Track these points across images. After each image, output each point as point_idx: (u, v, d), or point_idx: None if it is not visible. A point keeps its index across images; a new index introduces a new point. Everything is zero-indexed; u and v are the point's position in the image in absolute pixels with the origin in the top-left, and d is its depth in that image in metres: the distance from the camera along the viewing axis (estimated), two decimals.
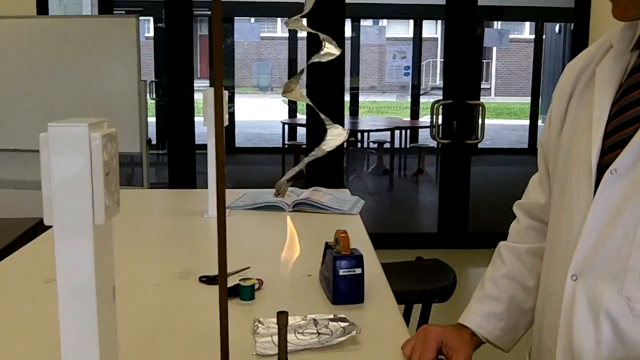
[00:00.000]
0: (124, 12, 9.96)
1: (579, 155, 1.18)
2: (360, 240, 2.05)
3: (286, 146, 10.14)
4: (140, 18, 5.02)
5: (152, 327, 1.45)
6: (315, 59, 0.94)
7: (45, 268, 1.81)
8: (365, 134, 10.32)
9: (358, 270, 1.56)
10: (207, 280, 1.71)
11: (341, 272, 1.54)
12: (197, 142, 5.71)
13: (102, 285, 0.92)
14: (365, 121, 12.41)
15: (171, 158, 5.79)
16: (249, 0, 10.38)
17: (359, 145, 10.54)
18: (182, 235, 2.27)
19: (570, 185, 1.20)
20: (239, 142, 12.16)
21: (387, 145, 9.82)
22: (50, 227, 0.87)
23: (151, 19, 12.45)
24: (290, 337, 1.33)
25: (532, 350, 1.37)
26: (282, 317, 1.04)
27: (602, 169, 1.12)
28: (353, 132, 10.19)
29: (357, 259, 1.56)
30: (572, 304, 1.14)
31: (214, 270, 1.70)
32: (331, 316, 1.44)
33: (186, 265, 1.84)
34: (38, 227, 2.68)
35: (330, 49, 0.93)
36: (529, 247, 1.44)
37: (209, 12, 11.46)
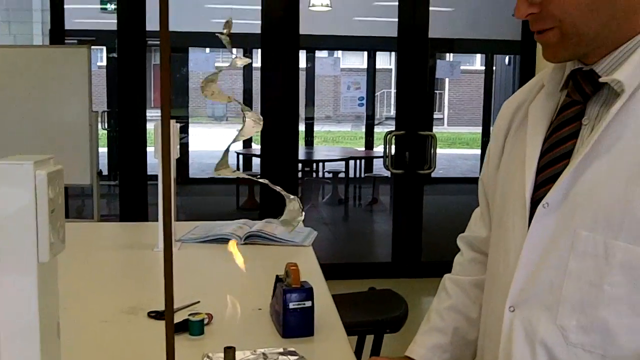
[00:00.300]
0: (76, 41, 9.92)
1: (514, 190, 1.22)
2: (311, 272, 2.06)
3: (241, 177, 10.08)
4: (93, 47, 5.01)
5: None
6: (239, 139, 0.94)
7: None
8: (321, 163, 10.36)
9: (308, 303, 1.56)
10: (156, 315, 1.70)
11: (291, 305, 1.55)
12: (149, 173, 5.68)
13: (46, 323, 0.91)
14: (320, 151, 12.46)
15: (122, 189, 5.72)
16: (204, 31, 10.39)
17: (314, 175, 10.57)
18: (132, 270, 2.25)
19: (506, 219, 1.24)
20: (193, 172, 12.09)
21: (342, 175, 9.87)
22: None
23: (104, 48, 12.39)
24: None
25: None
26: (228, 352, 1.04)
27: (535, 203, 1.17)
28: (308, 163, 10.22)
29: (307, 292, 1.56)
30: (510, 334, 1.18)
31: (163, 305, 1.69)
32: (281, 350, 1.44)
33: (135, 301, 1.82)
34: None
35: (251, 126, 0.92)
36: (473, 279, 1.47)
37: None
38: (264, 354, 1.42)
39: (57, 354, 0.95)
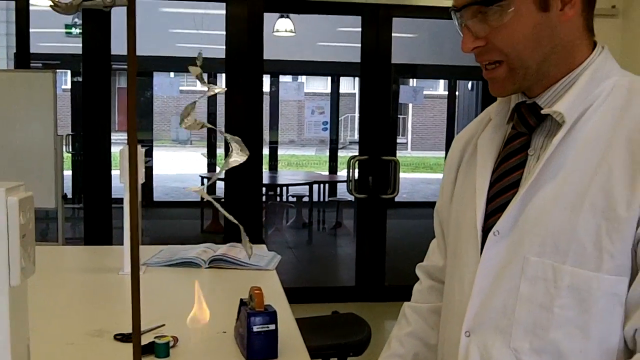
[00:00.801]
0: (41, 64, 9.87)
1: (467, 220, 1.27)
2: (275, 296, 2.09)
3: (205, 200, 10.09)
4: (57, 71, 5.00)
5: None
6: (224, 168, 0.97)
7: None
8: (285, 187, 10.38)
9: (272, 326, 1.60)
10: (122, 338, 1.72)
11: (255, 328, 1.58)
12: (113, 196, 5.66)
13: (17, 345, 0.93)
14: (284, 175, 12.48)
15: (87, 212, 5.68)
16: (168, 55, 10.41)
17: (278, 199, 10.60)
18: (98, 293, 2.26)
19: (460, 247, 1.29)
20: (158, 196, 12.05)
21: (306, 199, 9.91)
22: None
23: (69, 71, 12.35)
24: None
25: None
26: None
27: (486, 231, 1.22)
28: (272, 186, 10.24)
29: (270, 315, 1.60)
30: (466, 358, 1.22)
31: (129, 328, 1.71)
32: None
33: (101, 323, 1.84)
34: None
35: (236, 156, 0.96)
36: (431, 306, 1.51)
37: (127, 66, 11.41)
38: None
39: None
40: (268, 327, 1.59)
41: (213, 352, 1.64)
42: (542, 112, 1.19)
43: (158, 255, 2.65)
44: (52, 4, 0.91)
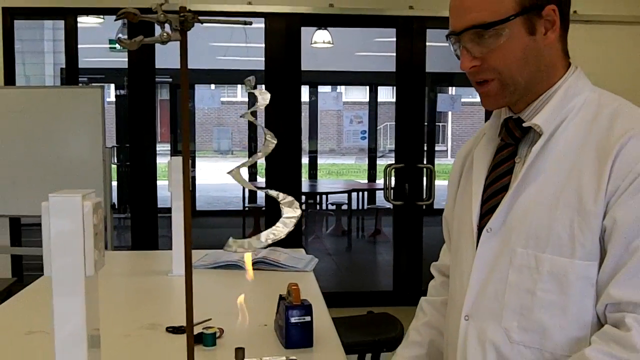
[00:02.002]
0: (86, 79, 10.19)
1: (465, 220, 1.47)
2: (312, 294, 2.26)
3: (246, 209, 10.34)
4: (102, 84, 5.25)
5: None
6: (264, 152, 1.18)
7: (26, 321, 1.99)
8: (324, 196, 10.56)
9: (308, 318, 1.77)
10: (173, 330, 1.90)
11: (292, 320, 1.75)
12: (159, 206, 5.88)
13: (91, 330, 1.11)
14: (323, 184, 12.66)
15: (134, 221, 5.90)
16: (209, 68, 10.66)
17: (318, 207, 10.77)
18: (149, 293, 2.45)
19: (460, 244, 1.49)
20: (200, 205, 12.33)
21: (345, 207, 10.06)
22: (26, 285, 1.05)
23: (112, 85, 12.68)
24: None
25: None
26: (239, 352, 1.24)
27: (481, 229, 1.41)
28: (312, 195, 10.43)
29: (306, 308, 1.77)
30: (465, 339, 1.42)
31: (179, 322, 1.90)
32: (283, 358, 1.63)
33: (154, 318, 2.02)
34: (13, 288, 2.84)
35: (270, 139, 1.15)
36: (444, 299, 1.69)
37: (169, 79, 11.73)
38: None
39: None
40: (304, 319, 1.76)
41: (255, 342, 1.81)
42: (524, 124, 1.39)
43: (203, 259, 2.83)
44: (118, 40, 1.09)
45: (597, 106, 1.35)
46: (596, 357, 1.22)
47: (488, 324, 1.38)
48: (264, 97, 1.24)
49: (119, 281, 2.62)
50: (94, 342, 1.16)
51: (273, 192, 1.17)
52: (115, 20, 1.08)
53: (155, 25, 1.07)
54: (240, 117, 1.20)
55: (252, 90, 1.19)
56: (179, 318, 1.91)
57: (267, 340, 1.84)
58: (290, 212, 1.17)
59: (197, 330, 1.79)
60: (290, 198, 1.19)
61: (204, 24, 1.10)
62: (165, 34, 1.08)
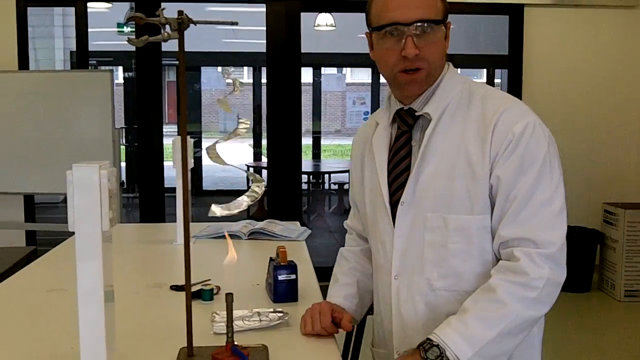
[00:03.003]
0: (95, 62, 10.42)
1: (377, 199, 1.77)
2: (302, 259, 2.53)
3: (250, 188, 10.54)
4: (110, 67, 5.48)
5: (136, 323, 1.89)
6: (230, 136, 1.44)
7: (46, 282, 2.26)
8: (327, 175, 10.80)
9: (293, 276, 2.03)
10: (176, 288, 2.16)
11: (280, 278, 2.01)
12: (166, 186, 6.12)
13: (106, 285, 1.36)
14: (327, 164, 12.90)
15: (142, 200, 6.14)
16: (215, 50, 10.89)
17: (321, 186, 11.02)
18: (155, 258, 2.71)
19: (376, 219, 1.78)
20: (206, 185, 12.58)
21: (347, 186, 10.28)
22: (43, 253, 1.25)
23: (120, 68, 12.92)
24: (239, 322, 1.78)
25: (374, 338, 1.94)
26: (228, 296, 1.48)
27: (394, 204, 1.71)
28: (315, 174, 10.68)
29: (292, 268, 2.03)
30: (398, 293, 1.72)
31: (182, 282, 2.15)
32: (271, 310, 1.90)
33: (159, 279, 2.29)
34: (32, 256, 3.11)
35: (243, 126, 1.40)
36: (361, 248, 2.02)
37: (176, 61, 11.95)
38: (258, 312, 1.87)
39: (113, 314, 1.41)
40: (290, 277, 2.02)
41: (248, 298, 2.06)
42: (417, 113, 1.69)
43: (205, 230, 3.09)
44: (127, 38, 1.33)
45: (469, 94, 1.69)
46: (497, 283, 1.53)
47: (414, 278, 1.69)
48: (245, 123, 1.50)
49: (129, 248, 2.88)
50: (109, 297, 1.40)
51: (243, 170, 1.44)
52: (125, 23, 1.33)
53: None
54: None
55: (229, 80, 1.43)
56: (181, 278, 2.15)
57: (258, 296, 2.10)
58: (255, 188, 1.46)
59: (196, 288, 2.06)
60: (258, 177, 1.47)
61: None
62: (166, 33, 1.33)
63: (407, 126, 1.72)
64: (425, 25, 1.58)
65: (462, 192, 1.61)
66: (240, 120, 1.45)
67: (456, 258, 1.63)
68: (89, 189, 1.31)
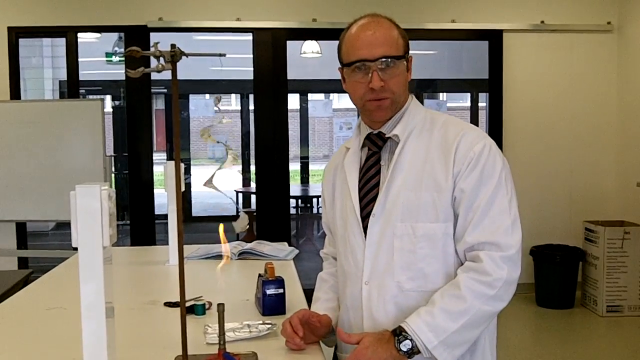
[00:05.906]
0: (84, 91, 10.54)
1: (349, 215, 1.92)
2: (289, 276, 2.65)
3: (239, 213, 10.62)
4: (99, 96, 5.60)
5: (133, 336, 2.00)
6: (221, 167, 1.58)
7: (45, 301, 2.37)
8: (315, 199, 10.90)
9: (281, 290, 2.15)
10: (170, 304, 2.28)
11: (268, 292, 2.14)
12: (156, 213, 6.22)
13: (108, 297, 1.48)
14: (315, 188, 13.00)
15: (133, 226, 6.24)
16: (203, 78, 11.03)
17: (309, 210, 11.12)
18: (149, 277, 2.82)
19: (348, 234, 1.92)
20: (196, 211, 12.65)
21: None
22: (40, 275, 1.33)
23: (109, 97, 13.03)
24: (230, 334, 1.90)
25: (339, 343, 2.00)
26: (220, 306, 1.60)
27: (364, 217, 1.86)
28: (304, 198, 10.79)
29: (279, 282, 2.15)
30: (369, 298, 1.85)
31: (175, 299, 2.27)
32: (260, 322, 2.01)
33: (153, 297, 2.40)
34: (29, 278, 3.22)
35: (231, 161, 1.52)
36: (334, 271, 2.12)
37: (164, 90, 12.08)
38: (248, 324, 1.99)
39: (113, 328, 1.52)
40: (278, 291, 2.15)
41: (238, 312, 2.18)
42: (386, 136, 1.88)
43: (196, 252, 3.21)
44: (125, 70, 1.46)
45: (431, 121, 1.90)
46: (463, 280, 1.71)
47: (384, 282, 1.83)
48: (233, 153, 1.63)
49: (123, 269, 2.98)
50: (109, 313, 1.52)
51: (234, 203, 1.57)
52: (123, 55, 1.46)
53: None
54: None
55: (216, 108, 1.56)
56: (174, 296, 2.27)
57: (248, 311, 2.21)
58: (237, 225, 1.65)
59: (190, 303, 2.17)
60: (243, 215, 1.63)
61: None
62: (160, 65, 1.46)
63: (377, 147, 1.90)
64: (389, 60, 1.79)
65: (428, 203, 1.79)
66: (230, 151, 1.59)
67: (423, 261, 1.80)
68: (91, 208, 1.43)
